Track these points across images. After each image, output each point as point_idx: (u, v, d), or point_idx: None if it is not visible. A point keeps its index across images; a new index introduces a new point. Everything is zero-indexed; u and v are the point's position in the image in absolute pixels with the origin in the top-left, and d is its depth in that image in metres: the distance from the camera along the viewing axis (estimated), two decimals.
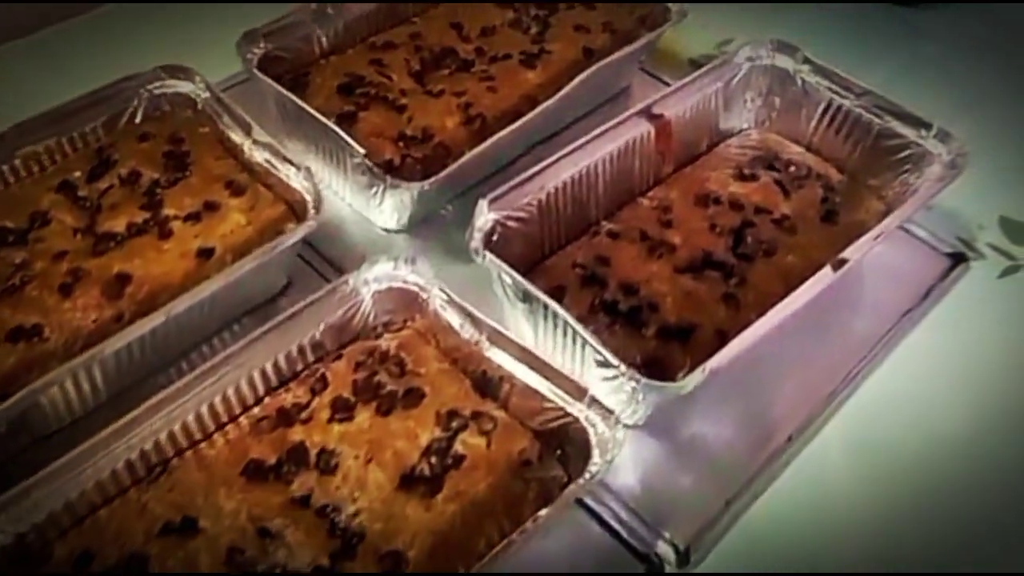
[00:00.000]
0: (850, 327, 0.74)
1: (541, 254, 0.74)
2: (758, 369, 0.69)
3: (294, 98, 0.74)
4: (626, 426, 0.66)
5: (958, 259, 0.80)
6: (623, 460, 0.65)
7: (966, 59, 0.99)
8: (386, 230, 0.79)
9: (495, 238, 0.68)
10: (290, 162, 0.70)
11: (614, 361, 0.59)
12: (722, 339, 0.66)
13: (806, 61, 0.81)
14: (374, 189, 0.74)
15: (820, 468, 0.66)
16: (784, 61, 0.82)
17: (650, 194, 0.78)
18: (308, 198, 0.68)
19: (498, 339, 0.60)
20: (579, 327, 0.61)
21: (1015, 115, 0.94)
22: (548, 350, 0.68)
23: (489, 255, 0.64)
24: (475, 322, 0.61)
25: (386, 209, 0.76)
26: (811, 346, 0.72)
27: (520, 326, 0.69)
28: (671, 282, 0.70)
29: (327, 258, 0.76)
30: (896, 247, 0.77)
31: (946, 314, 0.76)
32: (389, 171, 0.73)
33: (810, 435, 0.67)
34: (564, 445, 0.59)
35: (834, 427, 0.68)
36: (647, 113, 0.77)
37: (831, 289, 0.65)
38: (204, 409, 0.58)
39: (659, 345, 0.66)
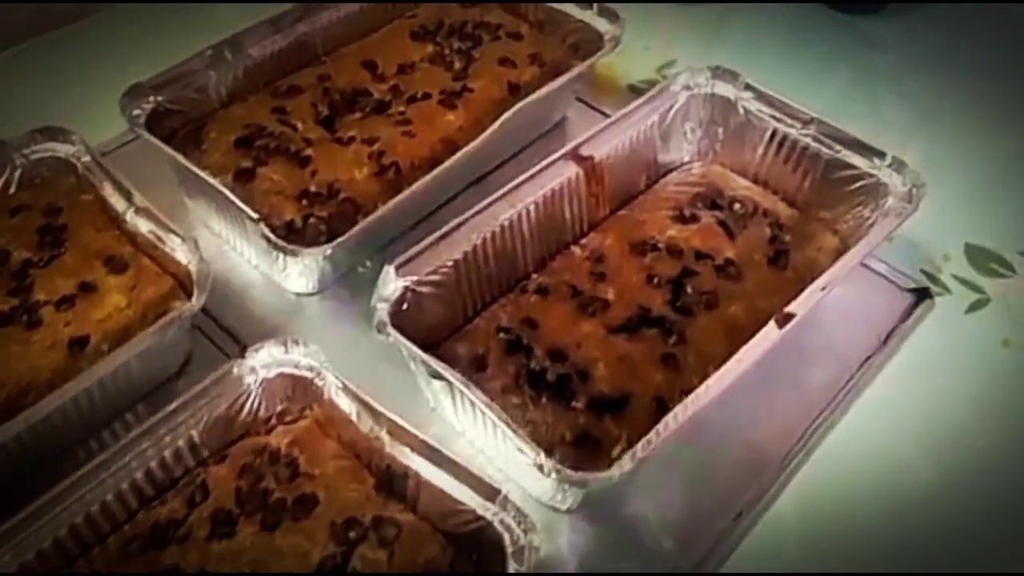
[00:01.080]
0: (804, 380, 0.67)
1: (464, 315, 0.67)
2: (703, 434, 0.63)
3: (180, 158, 0.67)
4: (557, 511, 0.60)
5: (922, 295, 0.73)
6: (558, 549, 0.59)
7: (921, 70, 0.93)
8: (297, 294, 0.72)
9: (405, 306, 0.62)
10: (175, 232, 0.63)
11: (530, 451, 0.53)
12: (660, 407, 0.60)
13: (748, 88, 0.75)
14: (275, 254, 0.67)
15: (773, 548, 0.60)
16: (724, 88, 0.75)
17: (583, 241, 0.72)
18: (194, 271, 0.61)
19: (399, 432, 0.53)
20: (493, 412, 0.54)
21: (977, 129, 0.88)
22: (468, 429, 0.62)
23: (394, 333, 0.57)
24: (372, 412, 0.54)
25: (292, 274, 0.69)
26: (761, 404, 0.65)
27: (440, 402, 0.63)
28: (604, 345, 0.63)
29: (229, 331, 0.69)
30: (853, 285, 0.70)
31: (910, 358, 0.69)
32: (289, 234, 0.67)
33: (762, 509, 0.61)
34: (480, 550, 0.52)
35: (789, 497, 0.62)
36: (574, 155, 0.70)
37: (780, 340, 0.59)
38: (64, 533, 0.50)
39: (590, 419, 0.60)
